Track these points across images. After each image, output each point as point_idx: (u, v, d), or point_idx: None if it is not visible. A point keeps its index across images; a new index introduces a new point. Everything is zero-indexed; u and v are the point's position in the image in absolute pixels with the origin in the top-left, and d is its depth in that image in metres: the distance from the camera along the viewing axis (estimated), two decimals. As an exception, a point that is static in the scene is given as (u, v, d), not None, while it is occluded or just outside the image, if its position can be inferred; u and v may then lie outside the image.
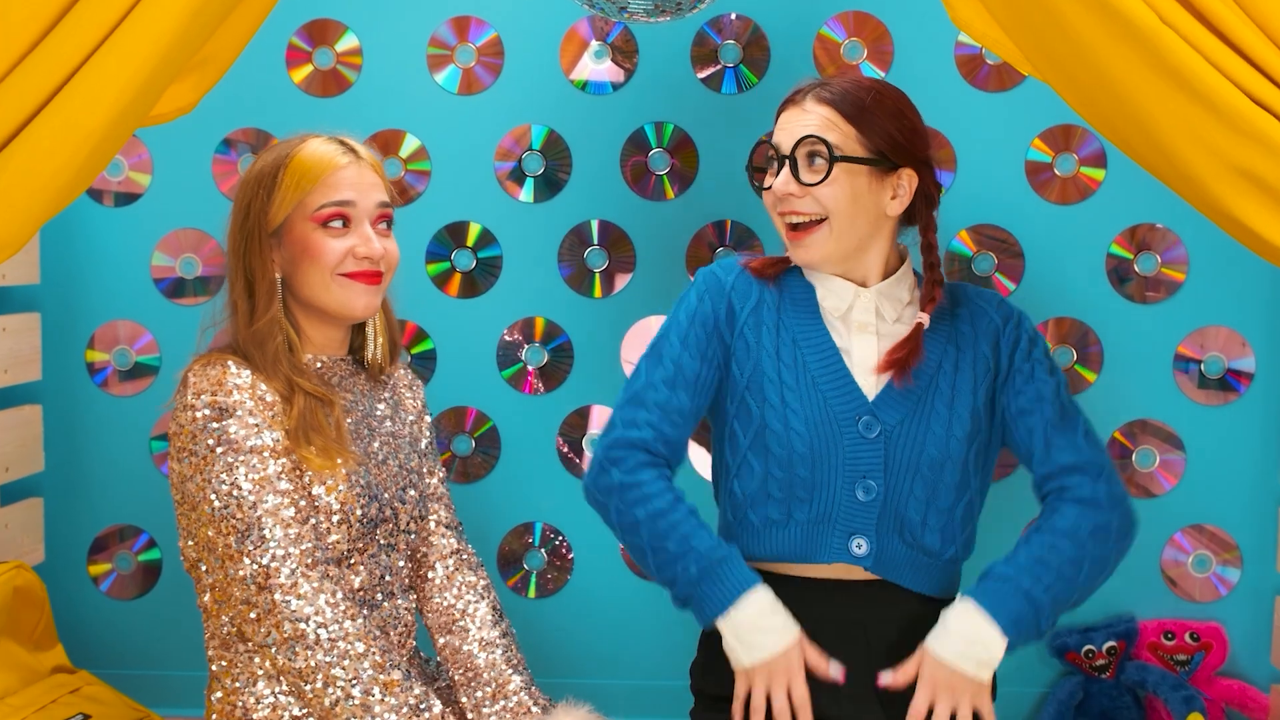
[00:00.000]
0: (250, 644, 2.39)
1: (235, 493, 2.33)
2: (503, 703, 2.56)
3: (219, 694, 2.46)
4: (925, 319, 2.59)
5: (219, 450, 2.36)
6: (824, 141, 2.52)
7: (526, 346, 3.49)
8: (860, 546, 2.54)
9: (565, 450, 3.50)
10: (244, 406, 2.38)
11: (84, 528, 3.55)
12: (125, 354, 3.52)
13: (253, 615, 2.31)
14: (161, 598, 3.54)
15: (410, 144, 3.48)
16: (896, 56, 3.43)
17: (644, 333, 3.44)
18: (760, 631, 2.44)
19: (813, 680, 2.49)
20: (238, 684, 2.43)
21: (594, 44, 3.47)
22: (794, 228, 2.59)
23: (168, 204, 3.51)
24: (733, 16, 3.46)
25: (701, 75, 3.47)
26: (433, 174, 3.49)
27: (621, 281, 3.49)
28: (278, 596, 2.30)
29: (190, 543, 2.44)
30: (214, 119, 3.42)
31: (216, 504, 2.34)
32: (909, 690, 2.48)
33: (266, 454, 2.37)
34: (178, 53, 2.19)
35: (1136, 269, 3.41)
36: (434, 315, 3.50)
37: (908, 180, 2.59)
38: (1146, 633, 3.39)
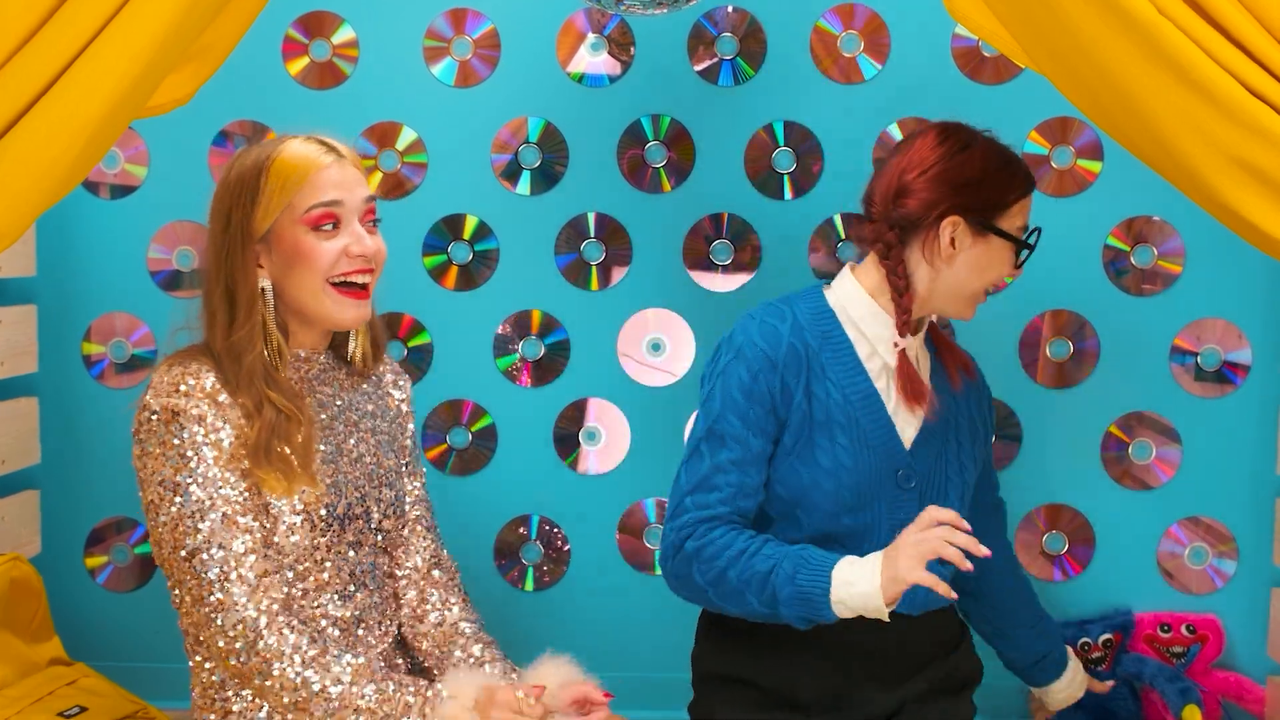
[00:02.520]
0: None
1: (182, 499, 2.34)
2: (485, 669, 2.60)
3: (197, 690, 2.48)
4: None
5: (169, 454, 2.36)
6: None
7: (523, 339, 3.49)
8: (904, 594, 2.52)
9: (561, 443, 3.50)
10: (197, 410, 2.37)
11: (81, 520, 3.54)
12: (122, 346, 3.52)
13: (204, 621, 2.34)
14: (158, 590, 3.53)
15: (407, 136, 3.48)
16: (893, 49, 3.42)
17: (640, 326, 3.44)
18: (859, 575, 2.41)
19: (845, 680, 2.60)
20: (214, 677, 2.43)
21: (591, 36, 3.47)
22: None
23: (164, 196, 3.51)
24: (729, 9, 3.46)
25: (698, 68, 3.47)
26: (429, 166, 3.48)
27: (618, 274, 3.49)
28: (219, 615, 2.32)
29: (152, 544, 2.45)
30: (210, 111, 3.41)
31: (162, 514, 2.37)
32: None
33: (214, 462, 2.36)
34: (174, 43, 2.19)
35: (1133, 261, 3.40)
36: (430, 308, 3.49)
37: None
38: (1143, 625, 3.38)
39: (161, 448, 2.36)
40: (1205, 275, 3.40)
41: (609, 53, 3.47)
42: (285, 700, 2.30)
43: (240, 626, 2.30)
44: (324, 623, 2.45)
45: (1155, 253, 3.39)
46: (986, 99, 3.42)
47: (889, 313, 2.62)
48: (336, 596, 2.47)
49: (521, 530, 3.50)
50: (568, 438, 3.50)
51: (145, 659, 3.46)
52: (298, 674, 2.29)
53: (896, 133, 3.41)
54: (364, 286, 2.50)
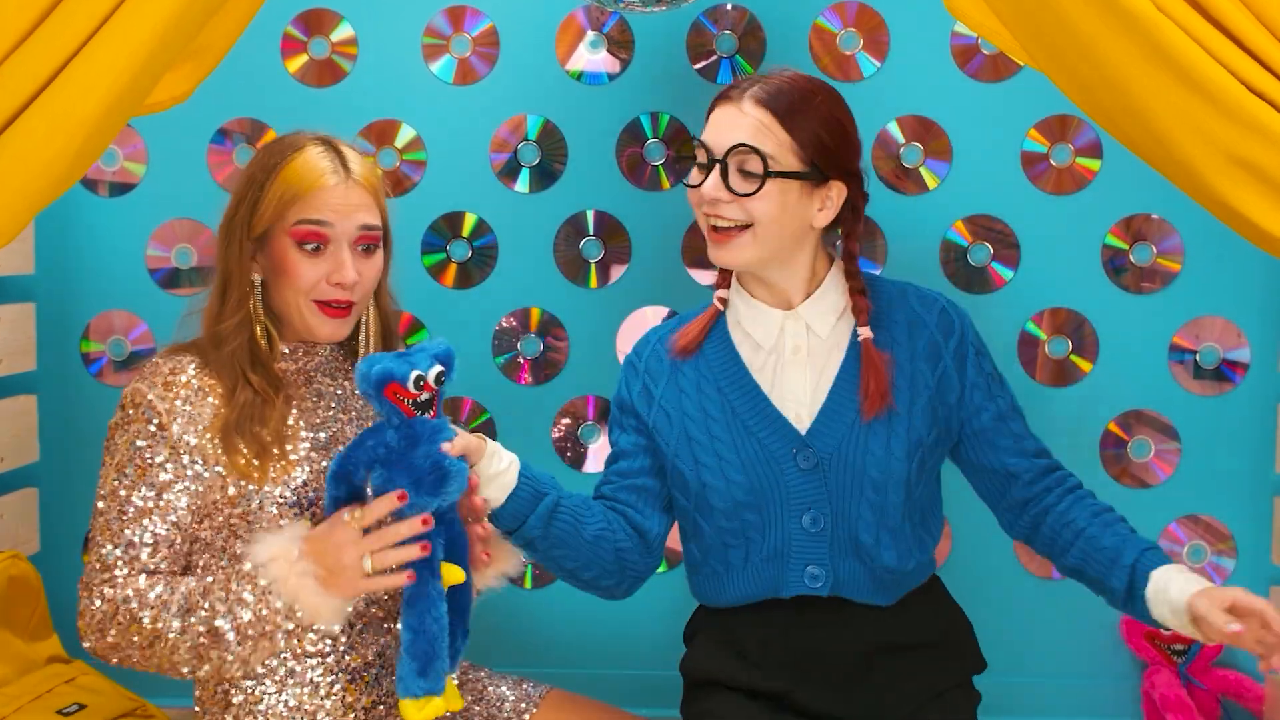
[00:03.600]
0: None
1: (119, 483, 2.38)
2: None
3: (198, 687, 2.48)
4: (868, 333, 2.55)
5: (121, 448, 2.39)
6: (759, 153, 2.44)
7: (522, 337, 3.49)
8: (815, 577, 2.53)
9: (560, 441, 3.50)
10: (165, 406, 2.38)
11: (79, 518, 3.54)
12: (120, 344, 3.52)
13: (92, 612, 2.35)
14: (157, 588, 3.53)
15: (405, 134, 3.48)
16: (892, 46, 3.42)
17: (639, 323, 3.44)
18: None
19: (793, 677, 2.55)
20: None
21: (590, 34, 3.46)
22: (716, 229, 2.52)
23: (163, 194, 3.51)
24: (729, 7, 3.46)
25: (697, 66, 3.47)
26: (428, 164, 3.48)
27: (617, 272, 3.48)
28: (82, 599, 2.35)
29: None
30: (209, 109, 3.41)
31: (98, 501, 2.40)
32: (873, 688, 2.56)
33: (167, 465, 2.37)
34: (173, 40, 2.19)
35: (1132, 259, 3.40)
36: (429, 305, 3.49)
37: (836, 193, 2.52)
38: (1141, 623, 3.38)
39: (118, 428, 2.41)
40: (1204, 273, 3.40)
41: (608, 50, 3.47)
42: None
43: (91, 615, 2.33)
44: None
45: (1154, 251, 3.39)
46: (986, 96, 3.42)
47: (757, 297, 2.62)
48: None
49: (520, 528, 3.50)
50: (567, 435, 3.50)
51: (143, 657, 3.46)
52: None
53: (896, 131, 3.41)
54: (344, 307, 2.49)
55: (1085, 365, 3.42)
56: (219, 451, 2.38)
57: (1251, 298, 3.39)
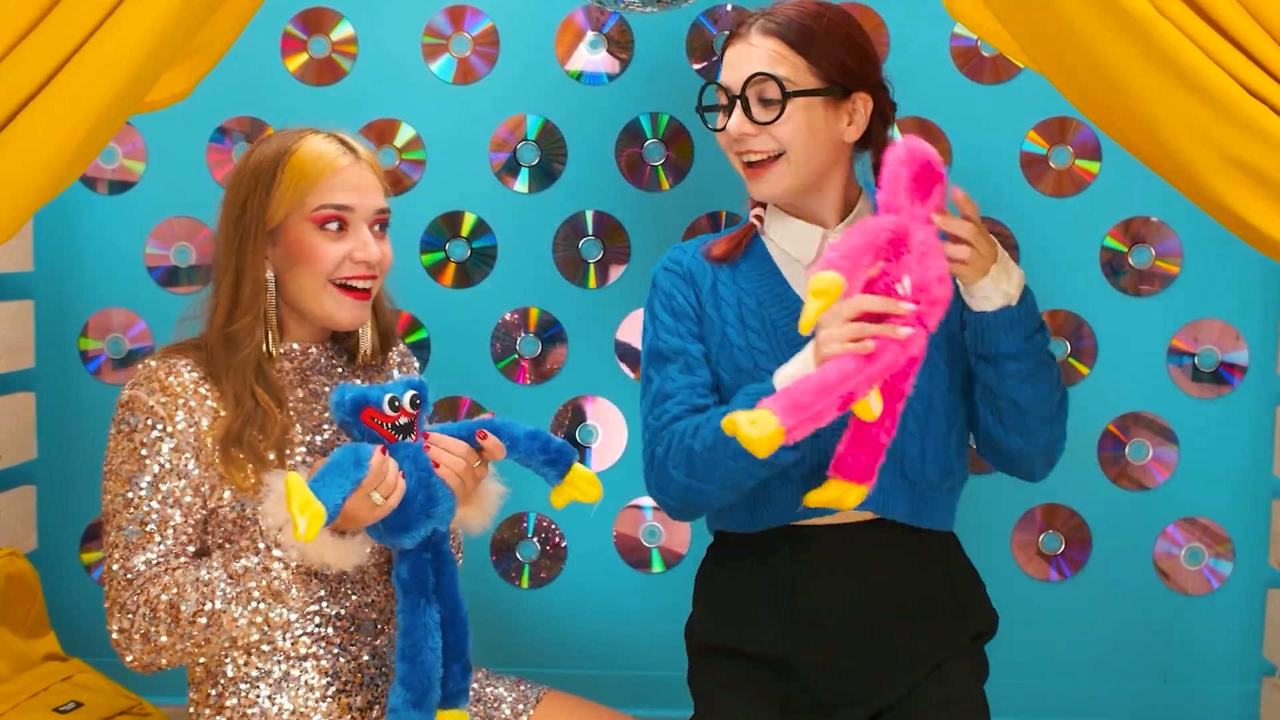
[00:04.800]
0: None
1: (129, 494, 2.36)
2: None
3: (192, 686, 2.48)
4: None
5: (125, 454, 2.38)
6: (774, 78, 2.45)
7: (521, 337, 3.49)
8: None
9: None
10: (164, 410, 2.37)
11: (77, 515, 3.54)
12: (119, 342, 3.52)
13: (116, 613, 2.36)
14: (154, 586, 3.54)
15: (405, 133, 3.48)
16: (892, 48, 3.42)
17: (638, 324, 3.44)
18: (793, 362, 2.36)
19: (796, 643, 2.53)
20: (212, 659, 2.44)
21: (590, 34, 3.47)
22: (751, 165, 2.53)
23: (162, 192, 3.51)
24: (729, 7, 3.46)
25: (697, 66, 3.47)
26: (427, 164, 3.49)
27: (616, 272, 3.49)
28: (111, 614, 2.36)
29: None
30: (208, 107, 3.41)
31: (106, 501, 2.40)
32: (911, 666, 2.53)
33: (169, 466, 2.37)
34: (173, 38, 2.19)
35: (1131, 262, 3.41)
36: (428, 305, 3.49)
37: (863, 105, 2.53)
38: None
39: (118, 437, 2.39)
40: (1203, 276, 3.40)
41: (608, 50, 3.47)
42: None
43: (127, 628, 2.33)
44: (318, 620, 2.45)
45: (1153, 253, 3.40)
46: (985, 98, 3.42)
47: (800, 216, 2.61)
48: (329, 594, 2.46)
49: (519, 527, 3.51)
50: (566, 436, 3.50)
51: (141, 655, 3.47)
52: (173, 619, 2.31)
53: (895, 132, 3.41)
54: (365, 290, 2.49)
55: (1083, 368, 3.43)
56: (217, 459, 2.38)
57: (1250, 300, 3.40)
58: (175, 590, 2.29)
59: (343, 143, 2.51)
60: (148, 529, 2.34)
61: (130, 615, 2.31)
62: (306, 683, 2.43)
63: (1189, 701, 3.44)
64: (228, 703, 2.43)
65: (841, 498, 2.32)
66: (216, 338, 2.43)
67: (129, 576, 2.33)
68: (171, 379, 2.39)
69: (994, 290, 2.39)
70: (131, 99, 2.22)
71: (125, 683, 3.12)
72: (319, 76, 3.49)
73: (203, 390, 2.40)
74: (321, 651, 2.45)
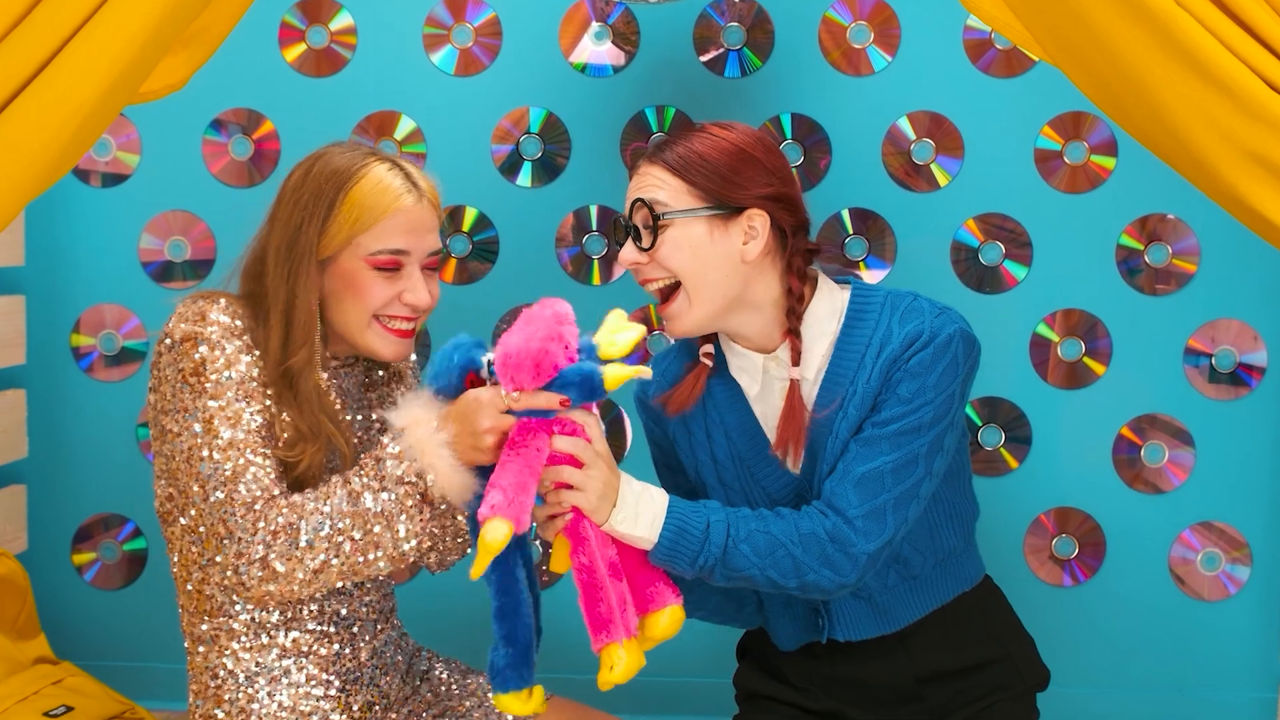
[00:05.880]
0: (222, 607, 2.38)
1: (209, 433, 2.31)
2: None
3: (195, 687, 2.47)
4: (796, 374, 2.44)
5: (191, 384, 2.34)
6: (646, 205, 2.40)
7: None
8: (809, 628, 2.53)
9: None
10: (219, 339, 2.34)
11: (68, 516, 3.55)
12: (112, 339, 3.52)
13: (222, 543, 2.28)
14: (146, 588, 3.54)
15: (405, 126, 3.48)
16: (903, 40, 3.42)
17: (644, 323, 3.44)
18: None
19: (841, 702, 2.55)
20: (212, 651, 2.43)
21: (594, 25, 3.47)
22: (659, 295, 2.46)
23: (156, 185, 3.51)
24: (736, -2, 3.47)
25: (704, 58, 3.47)
26: (428, 157, 3.49)
27: (621, 269, 3.48)
28: (225, 545, 2.28)
29: (163, 481, 2.41)
30: (204, 98, 3.41)
31: (184, 443, 2.32)
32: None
33: (240, 392, 2.34)
34: (169, 26, 2.19)
35: (1147, 260, 3.40)
36: (428, 301, 3.49)
37: (759, 221, 2.41)
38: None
39: (185, 377, 2.33)
40: (1220, 275, 3.40)
41: (613, 42, 3.47)
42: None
43: (243, 559, 2.28)
44: (320, 618, 2.45)
45: (1170, 251, 3.39)
46: (999, 92, 3.42)
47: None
48: (331, 592, 2.46)
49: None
50: (567, 435, 3.49)
51: (133, 658, 3.47)
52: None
53: (907, 127, 3.41)
54: (409, 330, 2.47)
55: (1098, 368, 3.42)
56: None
57: (1269, 300, 3.39)
58: (289, 515, 2.27)
59: (407, 177, 2.44)
60: (238, 442, 2.30)
61: (247, 539, 2.28)
62: (306, 680, 2.43)
63: (1205, 710, 3.43)
64: (225, 697, 2.43)
65: (625, 659, 2.29)
66: (279, 374, 2.40)
67: (240, 495, 2.29)
68: (223, 317, 2.35)
69: (630, 529, 2.34)
70: (126, 89, 2.22)
71: (117, 686, 3.12)
72: (318, 67, 3.49)
73: (244, 336, 2.37)
74: (322, 650, 2.45)
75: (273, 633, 2.42)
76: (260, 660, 2.42)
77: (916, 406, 2.35)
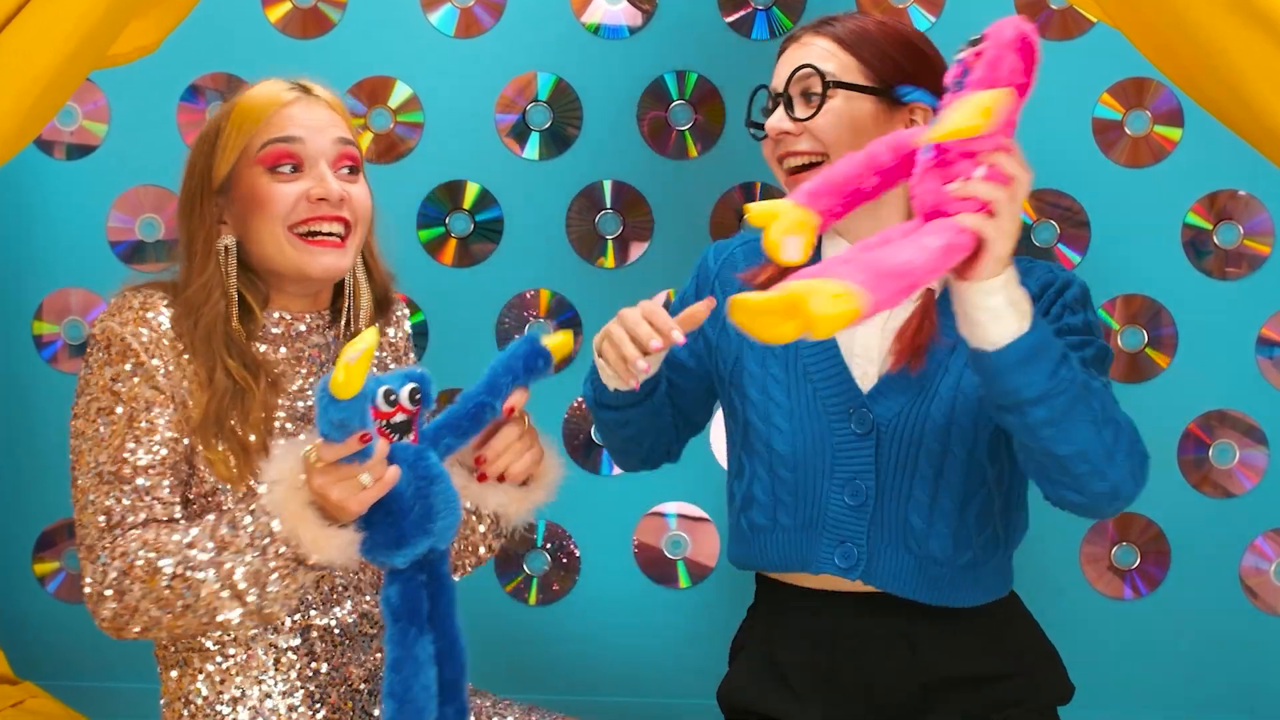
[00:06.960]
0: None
1: (105, 443, 2.33)
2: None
3: (174, 672, 2.47)
4: (936, 284, 2.44)
5: (97, 390, 2.34)
6: (818, 71, 2.44)
7: (530, 321, 3.49)
8: (848, 556, 2.51)
9: (573, 440, 3.50)
10: (138, 343, 2.34)
11: (29, 521, 3.56)
12: (77, 326, 3.53)
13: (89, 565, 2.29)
14: (116, 600, 3.55)
15: (400, 93, 3.48)
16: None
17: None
18: None
19: (838, 711, 2.52)
20: (185, 675, 2.43)
21: (608, -18, 3.47)
22: (793, 172, 2.49)
23: (127, 157, 3.52)
24: (764, -48, 3.46)
25: (729, 19, 3.47)
26: (425, 127, 3.49)
27: (637, 250, 3.49)
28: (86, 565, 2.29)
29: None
30: (179, 62, 3.41)
31: (83, 454, 2.35)
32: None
33: (149, 405, 2.34)
34: (138, -16, 2.19)
35: (1216, 241, 3.40)
36: (426, 285, 3.50)
37: (922, 117, 2.47)
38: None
39: (93, 374, 2.35)
40: (1298, 257, 3.40)
41: (629, 1, 3.46)
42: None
43: (101, 576, 2.29)
44: (312, 632, 2.44)
45: (1241, 231, 3.39)
46: (1053, 56, 3.39)
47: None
48: (318, 603, 2.45)
49: (526, 536, 3.50)
50: (580, 434, 3.50)
51: (99, 678, 3.47)
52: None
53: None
54: (338, 236, 2.46)
55: (1162, 359, 3.42)
56: (198, 446, 2.37)
57: (1352, 285, 3.39)
58: (154, 549, 2.26)
59: (294, 82, 2.47)
60: (127, 462, 2.32)
61: (106, 563, 2.28)
62: (288, 706, 2.43)
63: (1278, 735, 3.44)
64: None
65: (788, 217, 2.01)
66: (180, 307, 2.41)
67: (112, 512, 2.30)
68: (145, 313, 2.36)
69: (1004, 305, 2.10)
70: (93, 52, 2.22)
71: (81, 708, 3.13)
72: (304, 28, 3.49)
73: (177, 342, 2.38)
74: (308, 670, 2.44)
75: (250, 648, 2.42)
76: (237, 682, 2.42)
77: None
